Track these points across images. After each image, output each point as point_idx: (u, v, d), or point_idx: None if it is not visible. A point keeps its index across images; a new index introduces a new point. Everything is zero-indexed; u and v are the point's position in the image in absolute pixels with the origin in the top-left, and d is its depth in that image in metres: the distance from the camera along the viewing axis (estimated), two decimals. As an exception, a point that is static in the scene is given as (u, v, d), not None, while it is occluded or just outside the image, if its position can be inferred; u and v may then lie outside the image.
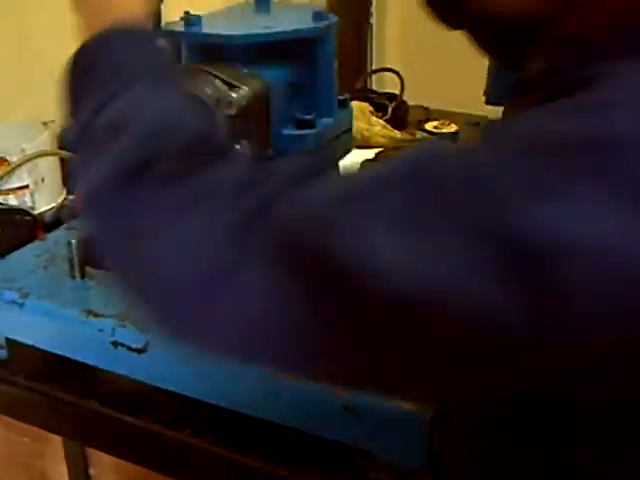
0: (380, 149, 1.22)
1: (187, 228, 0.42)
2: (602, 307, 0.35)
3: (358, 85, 1.66)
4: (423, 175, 0.38)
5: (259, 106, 0.68)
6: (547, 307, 0.35)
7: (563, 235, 0.35)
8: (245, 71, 0.68)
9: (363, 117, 1.28)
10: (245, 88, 0.66)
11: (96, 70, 0.54)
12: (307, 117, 0.71)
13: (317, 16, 0.71)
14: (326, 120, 0.74)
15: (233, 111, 0.65)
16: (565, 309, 0.35)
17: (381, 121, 1.34)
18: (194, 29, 0.70)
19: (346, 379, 0.44)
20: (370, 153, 1.20)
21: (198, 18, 0.71)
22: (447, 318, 0.36)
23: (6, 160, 1.04)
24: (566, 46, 0.45)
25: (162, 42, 0.57)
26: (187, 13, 0.72)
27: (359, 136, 1.23)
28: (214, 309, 0.41)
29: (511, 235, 0.35)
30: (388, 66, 1.74)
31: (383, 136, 1.29)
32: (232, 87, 0.66)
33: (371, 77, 1.97)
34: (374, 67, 2.34)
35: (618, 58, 0.40)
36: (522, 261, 0.35)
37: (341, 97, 0.78)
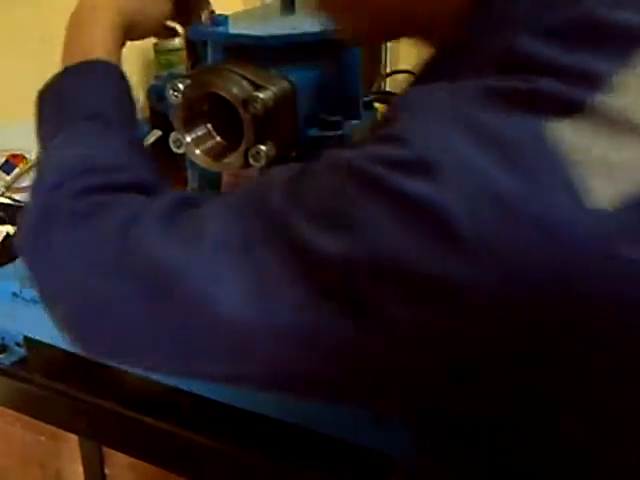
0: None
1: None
2: None
3: (374, 87, 1.66)
4: (253, 214, 0.44)
5: (285, 107, 0.67)
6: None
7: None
8: (272, 72, 0.68)
9: (381, 119, 1.27)
10: (272, 88, 0.65)
11: (50, 103, 0.62)
12: (333, 118, 0.71)
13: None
14: (352, 122, 0.74)
15: (259, 111, 0.64)
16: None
17: (399, 123, 1.33)
18: (221, 29, 0.69)
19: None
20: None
21: (225, 18, 0.70)
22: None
23: (25, 157, 1.05)
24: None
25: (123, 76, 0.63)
26: (212, 13, 0.72)
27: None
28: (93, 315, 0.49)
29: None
30: (402, 68, 1.73)
31: (401, 138, 1.28)
32: (259, 87, 0.65)
33: (386, 79, 1.96)
34: (388, 68, 2.33)
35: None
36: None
37: (366, 98, 0.77)
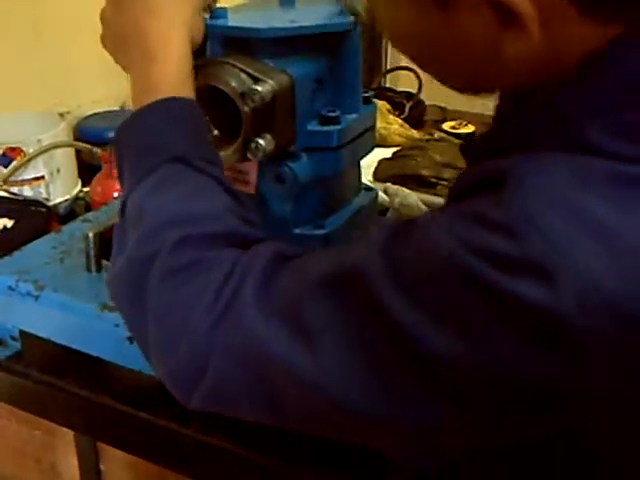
0: (397, 148, 1.21)
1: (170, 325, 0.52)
2: None
3: (374, 84, 1.65)
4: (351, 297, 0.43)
5: (284, 101, 0.66)
6: None
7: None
8: (271, 65, 0.67)
9: (381, 115, 1.27)
10: (270, 82, 0.65)
11: (133, 147, 0.60)
12: (331, 113, 0.70)
13: (344, 11, 0.70)
14: (350, 117, 0.73)
15: (258, 105, 0.64)
16: None
17: (399, 120, 1.33)
18: (220, 21, 0.69)
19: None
20: (387, 152, 1.19)
21: (224, 10, 0.69)
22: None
23: (22, 151, 1.04)
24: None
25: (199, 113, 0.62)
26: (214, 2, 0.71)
27: (376, 134, 1.22)
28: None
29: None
30: (402, 64, 1.73)
31: (400, 135, 1.28)
32: (257, 81, 0.65)
33: (385, 76, 1.95)
34: (388, 65, 2.32)
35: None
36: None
37: (365, 94, 0.77)
